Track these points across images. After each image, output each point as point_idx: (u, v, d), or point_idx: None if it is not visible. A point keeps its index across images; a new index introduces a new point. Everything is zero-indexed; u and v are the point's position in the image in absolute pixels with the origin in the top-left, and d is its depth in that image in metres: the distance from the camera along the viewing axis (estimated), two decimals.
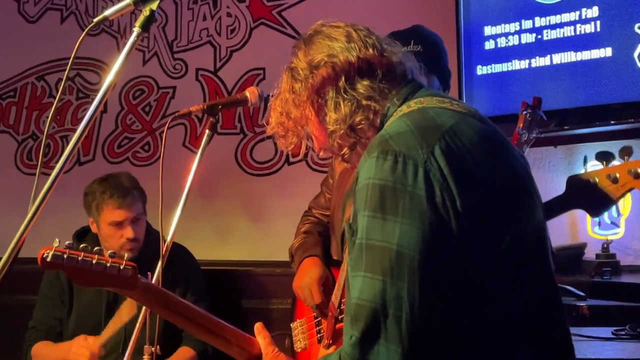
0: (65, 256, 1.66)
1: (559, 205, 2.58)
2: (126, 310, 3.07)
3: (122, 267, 1.72)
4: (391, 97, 1.76)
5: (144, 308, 2.37)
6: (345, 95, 1.76)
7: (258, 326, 1.96)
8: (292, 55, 1.87)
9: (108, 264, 1.71)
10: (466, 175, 1.56)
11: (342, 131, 1.77)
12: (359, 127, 1.76)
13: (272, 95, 1.94)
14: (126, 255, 1.77)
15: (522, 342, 1.60)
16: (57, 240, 1.67)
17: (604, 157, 2.55)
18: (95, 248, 1.73)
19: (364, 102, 1.75)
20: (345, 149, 1.81)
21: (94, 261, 1.69)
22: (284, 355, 1.90)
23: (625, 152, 2.54)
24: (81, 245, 1.69)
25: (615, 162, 2.51)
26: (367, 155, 1.62)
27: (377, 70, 1.77)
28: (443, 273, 1.52)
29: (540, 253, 1.68)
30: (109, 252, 1.73)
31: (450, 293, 1.53)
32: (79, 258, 1.68)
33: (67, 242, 1.66)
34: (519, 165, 1.70)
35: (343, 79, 1.76)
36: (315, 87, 1.78)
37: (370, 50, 1.79)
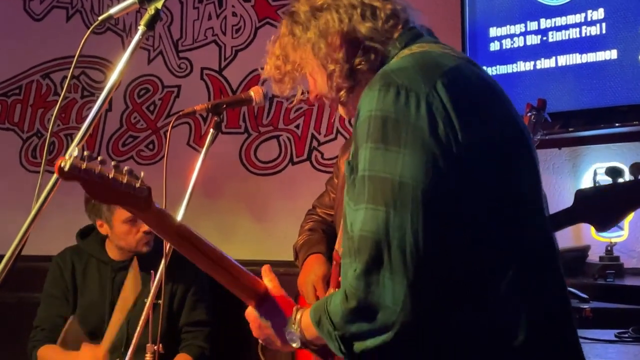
0: (82, 167, 1.60)
1: (566, 219, 2.59)
2: (118, 313, 3.09)
3: (137, 185, 1.68)
4: (393, 40, 1.77)
5: (145, 307, 2.37)
6: (346, 38, 1.77)
7: (265, 268, 1.94)
8: (294, 0, 1.89)
9: (124, 181, 1.66)
10: (467, 110, 1.57)
11: (342, 72, 1.77)
12: (359, 67, 1.77)
13: (269, 40, 1.95)
14: (142, 174, 1.72)
15: (518, 281, 1.58)
16: (76, 149, 1.61)
17: (614, 172, 2.54)
18: (112, 163, 1.68)
19: (366, 43, 1.76)
20: (343, 91, 1.80)
21: (110, 176, 1.64)
22: (291, 299, 1.89)
23: (636, 168, 2.54)
24: (99, 158, 1.65)
25: (626, 178, 2.51)
26: (368, 89, 1.62)
27: (380, 13, 1.78)
28: (446, 204, 1.52)
29: (536, 203, 1.68)
30: (126, 168, 1.68)
31: (453, 224, 1.52)
32: (96, 171, 1.63)
33: (85, 152, 1.61)
34: (517, 116, 1.72)
35: (346, 22, 1.76)
36: (317, 28, 1.79)
37: None
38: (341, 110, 1.89)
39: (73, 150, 1.60)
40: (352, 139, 1.66)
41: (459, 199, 1.53)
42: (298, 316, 1.76)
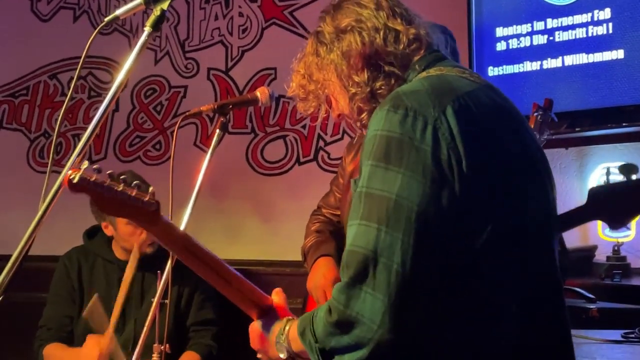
0: (92, 180, 1.62)
1: (579, 216, 2.58)
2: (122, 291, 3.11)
3: (145, 199, 1.69)
4: (413, 64, 1.78)
5: (152, 307, 2.38)
6: (369, 62, 1.78)
7: (278, 290, 1.98)
8: (320, 21, 1.90)
9: (133, 194, 1.68)
10: (475, 138, 1.57)
11: (363, 95, 1.79)
12: (379, 92, 1.78)
13: (295, 59, 1.96)
14: (150, 189, 1.74)
15: (510, 314, 1.58)
16: (86, 162, 1.63)
17: (628, 169, 2.54)
18: (122, 176, 1.70)
19: (387, 68, 1.77)
20: (364, 114, 1.82)
21: (119, 189, 1.66)
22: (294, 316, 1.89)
23: None
24: (108, 172, 1.67)
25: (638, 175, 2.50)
26: (378, 108, 1.64)
27: (403, 37, 1.79)
28: (439, 231, 1.52)
29: (543, 231, 1.68)
30: (135, 182, 1.70)
31: (443, 253, 1.52)
32: (105, 184, 1.64)
33: (94, 166, 1.63)
34: (532, 144, 1.72)
35: (368, 45, 1.78)
36: (340, 50, 1.80)
37: (398, 19, 1.81)
38: (363, 131, 1.89)
39: (83, 163, 1.62)
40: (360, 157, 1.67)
41: (457, 226, 1.53)
42: (287, 327, 1.78)
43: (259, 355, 1.92)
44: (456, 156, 1.53)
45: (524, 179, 1.65)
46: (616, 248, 3.71)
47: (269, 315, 1.89)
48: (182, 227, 2.35)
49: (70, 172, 1.60)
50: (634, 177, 2.61)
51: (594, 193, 2.47)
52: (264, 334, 1.86)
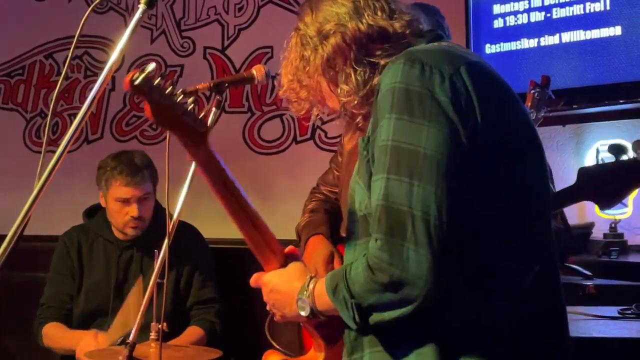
0: (153, 83, 1.56)
1: (569, 197, 2.59)
2: (132, 311, 3.09)
3: (199, 117, 1.65)
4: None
5: (149, 286, 2.38)
6: (356, 66, 1.73)
7: (291, 247, 1.93)
8: (299, 19, 1.85)
9: (188, 109, 1.63)
10: (487, 100, 1.57)
11: (354, 102, 1.75)
12: (370, 100, 1.72)
13: (282, 57, 1.90)
14: (205, 108, 1.69)
15: (519, 279, 1.60)
16: (152, 64, 1.58)
17: (617, 149, 2.53)
18: (182, 90, 1.63)
19: (382, 62, 1.72)
20: (359, 117, 1.78)
21: (178, 100, 1.60)
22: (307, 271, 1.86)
23: (639, 145, 2.53)
24: (169, 80, 1.60)
25: (629, 155, 2.50)
26: (391, 63, 1.61)
27: (390, 32, 1.74)
28: (467, 179, 1.52)
29: (543, 202, 1.69)
30: (193, 98, 1.65)
31: (471, 205, 1.52)
32: (166, 91, 1.58)
33: (160, 72, 1.56)
34: (531, 121, 1.73)
35: (354, 48, 1.73)
36: (325, 57, 1.76)
37: (379, 13, 1.75)
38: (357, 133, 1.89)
39: (148, 66, 1.56)
40: (372, 114, 1.65)
41: (478, 177, 1.54)
42: (311, 285, 1.72)
43: (269, 308, 1.89)
44: (472, 111, 1.54)
45: (529, 149, 1.66)
46: (613, 225, 3.72)
47: (287, 270, 1.84)
48: (178, 206, 2.36)
49: (133, 72, 1.54)
50: (623, 157, 2.61)
51: (583, 173, 2.47)
52: (281, 289, 1.81)
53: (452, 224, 1.48)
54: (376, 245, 1.52)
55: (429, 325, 1.56)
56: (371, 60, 1.73)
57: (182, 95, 1.61)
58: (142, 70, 1.54)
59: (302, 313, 1.73)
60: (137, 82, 1.54)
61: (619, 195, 2.46)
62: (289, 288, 1.79)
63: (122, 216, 3.52)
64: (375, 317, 1.58)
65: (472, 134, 1.52)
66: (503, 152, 1.58)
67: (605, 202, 2.53)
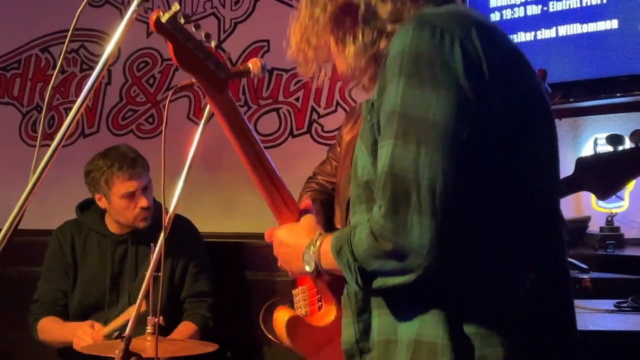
0: (179, 23, 1.54)
1: (567, 187, 2.59)
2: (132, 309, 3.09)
3: (221, 62, 1.63)
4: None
5: (145, 280, 2.38)
6: (364, 26, 1.69)
7: (307, 201, 1.96)
8: None
9: (212, 52, 1.61)
10: (496, 65, 1.54)
11: (364, 59, 1.71)
12: (383, 51, 1.67)
13: (291, 19, 1.88)
14: (226, 53, 1.66)
15: (528, 249, 1.59)
16: (177, 4, 1.56)
17: (615, 140, 2.53)
18: (206, 33, 1.59)
19: (389, 27, 1.68)
20: (365, 77, 1.74)
21: (202, 43, 1.58)
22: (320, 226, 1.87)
23: (637, 136, 2.53)
24: (194, 23, 1.58)
25: (627, 146, 2.49)
26: (401, 28, 1.58)
27: None
28: (476, 147, 1.49)
29: (553, 172, 1.70)
30: (214, 43, 1.62)
31: (480, 168, 1.50)
32: (190, 34, 1.56)
33: (183, 12, 1.55)
34: (540, 85, 1.69)
35: (363, 7, 1.68)
36: (333, 15, 1.72)
37: None
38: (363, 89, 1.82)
39: (174, 5, 1.54)
40: (379, 78, 1.62)
41: (486, 145, 1.51)
42: (318, 242, 1.72)
43: (279, 263, 1.91)
44: (483, 77, 1.51)
45: (538, 116, 1.64)
46: (609, 219, 3.72)
47: (298, 225, 1.86)
48: (174, 199, 2.35)
49: (157, 11, 1.53)
50: (621, 147, 2.61)
51: (581, 163, 2.47)
52: (290, 242, 1.83)
53: (458, 194, 1.46)
54: (380, 212, 1.50)
55: (434, 294, 1.55)
56: (379, 21, 1.69)
57: (205, 39, 1.59)
58: (169, 10, 1.53)
59: (307, 268, 1.74)
60: (163, 20, 1.53)
61: (617, 185, 2.47)
62: (297, 242, 1.81)
63: (132, 211, 3.51)
64: (378, 282, 1.57)
65: (482, 101, 1.50)
66: (511, 118, 1.56)
67: (603, 192, 2.53)
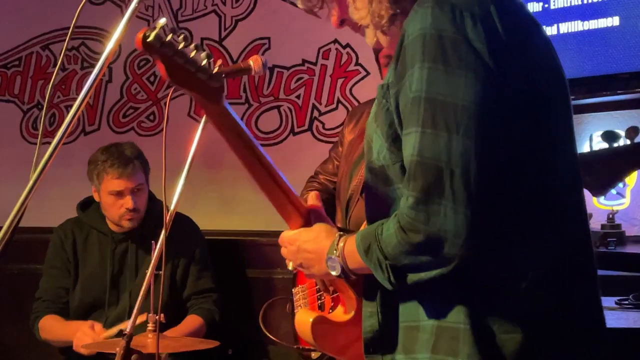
0: (166, 40, 1.48)
1: None
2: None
3: (214, 72, 1.57)
4: None
5: (146, 277, 2.38)
6: None
7: (313, 195, 1.89)
8: None
9: (202, 64, 1.55)
10: (516, 40, 1.51)
11: (383, 10, 1.62)
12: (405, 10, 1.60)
13: None
14: (219, 62, 1.61)
15: (554, 213, 1.57)
16: (162, 19, 1.50)
17: (610, 137, 2.53)
18: (195, 44, 1.54)
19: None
20: (385, 18, 1.63)
21: (191, 55, 1.52)
22: (334, 226, 1.81)
23: (632, 132, 2.53)
24: (181, 35, 1.52)
25: (621, 142, 2.49)
26: (418, 6, 1.52)
27: None
28: (510, 130, 1.46)
29: (570, 145, 1.64)
30: (206, 51, 1.57)
31: (511, 158, 1.47)
32: (178, 47, 1.50)
33: (171, 26, 1.52)
34: (557, 57, 1.67)
35: None
36: None
37: None
38: (371, 38, 1.71)
39: (159, 21, 1.49)
40: (396, 61, 1.55)
41: (513, 126, 1.48)
42: (341, 244, 1.67)
43: (290, 267, 1.86)
44: (506, 54, 1.47)
45: (555, 91, 1.61)
46: (610, 216, 3.71)
47: (314, 228, 1.78)
48: (175, 197, 2.35)
49: (143, 30, 1.48)
50: (616, 144, 2.60)
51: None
52: (310, 248, 1.76)
53: (491, 181, 1.43)
54: (409, 203, 1.45)
55: (457, 281, 1.52)
56: None
57: (194, 51, 1.54)
58: (154, 27, 1.48)
59: (333, 273, 1.69)
60: (149, 39, 1.48)
61: (613, 181, 2.46)
62: (317, 246, 1.74)
63: (117, 209, 3.52)
64: (412, 277, 1.53)
65: (506, 79, 1.46)
66: (530, 94, 1.52)
67: (600, 188, 2.53)
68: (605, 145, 2.57)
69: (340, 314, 1.91)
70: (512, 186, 1.48)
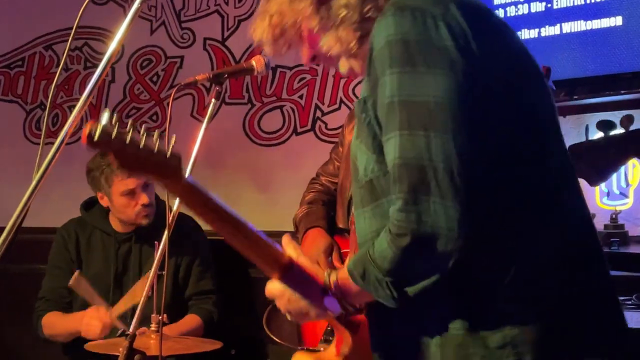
0: (112, 136, 1.45)
1: None
2: (140, 288, 3.08)
3: (168, 154, 1.54)
4: None
5: (149, 278, 2.38)
6: None
7: (286, 238, 1.82)
8: None
9: (155, 150, 1.51)
10: (481, 32, 1.53)
11: (353, 18, 1.66)
12: (368, 15, 1.66)
13: (256, 14, 1.84)
14: (174, 138, 1.60)
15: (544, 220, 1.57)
16: (105, 114, 1.47)
17: (606, 126, 2.53)
18: (144, 130, 1.51)
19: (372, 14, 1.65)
20: (353, 42, 1.68)
21: (141, 145, 1.49)
22: (318, 266, 1.77)
23: (627, 121, 2.52)
24: (129, 122, 1.50)
25: (617, 131, 2.49)
26: (380, 17, 1.56)
27: None
28: (482, 118, 1.48)
29: (554, 124, 1.66)
30: (157, 134, 1.53)
31: (490, 140, 1.48)
32: (128, 139, 1.47)
33: (114, 117, 1.47)
34: (527, 50, 1.68)
35: None
36: None
37: None
38: (344, 67, 1.76)
39: (102, 117, 1.46)
40: (368, 74, 1.58)
41: (489, 114, 1.50)
42: (333, 278, 1.66)
43: (291, 317, 1.80)
44: (471, 47, 1.49)
45: (531, 75, 1.63)
46: (614, 216, 3.70)
47: (294, 273, 1.73)
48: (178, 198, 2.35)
49: (89, 126, 1.45)
50: (612, 133, 2.60)
51: (573, 149, 2.47)
52: (301, 290, 1.72)
53: (475, 170, 1.44)
54: (398, 206, 1.46)
55: (458, 284, 1.52)
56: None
57: (144, 136, 1.51)
58: (98, 123, 1.45)
59: (334, 311, 1.68)
60: (96, 138, 1.45)
61: (609, 170, 2.46)
62: (306, 291, 1.71)
63: (132, 208, 3.51)
64: (414, 288, 1.52)
65: (476, 72, 1.49)
66: (507, 82, 1.55)
67: (596, 177, 2.52)
68: (601, 134, 2.57)
69: (332, 356, 1.92)
70: (500, 174, 1.50)
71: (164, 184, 1.61)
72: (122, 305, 3.22)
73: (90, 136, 1.45)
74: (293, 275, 1.73)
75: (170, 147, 1.56)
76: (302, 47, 1.79)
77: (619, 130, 2.63)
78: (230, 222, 1.73)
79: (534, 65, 1.67)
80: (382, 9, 1.61)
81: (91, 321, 3.29)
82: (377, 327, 1.72)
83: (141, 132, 1.51)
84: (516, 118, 1.55)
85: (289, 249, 1.78)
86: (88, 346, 3.16)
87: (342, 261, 2.67)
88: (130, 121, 1.50)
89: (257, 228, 4.27)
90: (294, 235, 2.92)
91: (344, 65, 1.75)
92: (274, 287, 1.76)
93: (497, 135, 1.51)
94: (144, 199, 3.48)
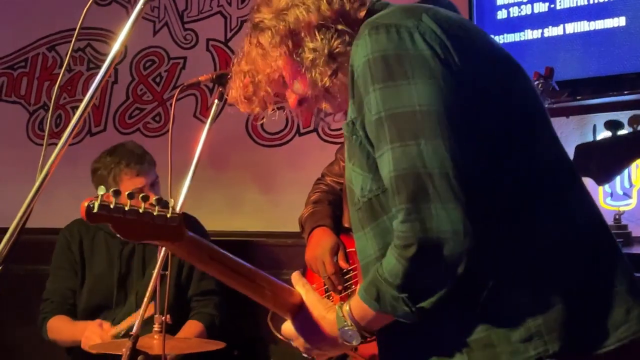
0: (112, 206, 1.49)
1: None
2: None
3: (168, 215, 1.56)
4: (362, 18, 1.72)
5: (152, 278, 2.38)
6: (319, 28, 1.72)
7: (295, 275, 1.83)
8: (254, 13, 1.82)
9: (155, 213, 1.54)
10: (457, 36, 1.56)
11: (322, 57, 1.71)
12: (337, 50, 1.71)
13: (232, 65, 1.88)
14: (171, 201, 1.61)
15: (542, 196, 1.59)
16: (102, 187, 1.51)
17: (613, 125, 2.53)
18: (141, 195, 1.54)
19: (339, 26, 1.71)
20: (326, 78, 1.73)
21: (141, 210, 1.52)
22: (328, 301, 1.78)
23: (635, 121, 2.53)
24: (126, 192, 1.53)
25: (624, 131, 2.49)
26: (357, 40, 1.60)
27: (347, 10, 1.73)
28: (468, 120, 1.50)
29: (544, 117, 1.68)
30: (155, 197, 1.56)
31: (480, 139, 1.51)
32: (126, 208, 1.50)
33: (111, 190, 1.51)
34: (500, 46, 1.72)
35: (314, 10, 1.71)
36: (286, 29, 1.73)
37: None
38: (327, 105, 1.81)
39: (99, 189, 1.49)
40: (352, 96, 1.62)
41: (476, 115, 1.52)
42: (346, 309, 1.64)
43: (312, 355, 1.81)
44: (449, 53, 1.53)
45: (511, 70, 1.67)
46: (617, 217, 3.70)
47: (305, 312, 1.74)
48: (181, 198, 2.35)
49: (87, 201, 1.49)
50: (619, 133, 2.60)
51: (581, 149, 2.47)
52: (314, 331, 1.72)
53: (470, 171, 1.46)
54: (401, 217, 1.47)
55: (471, 289, 1.53)
56: (331, 25, 1.72)
57: (143, 202, 1.53)
58: (96, 197, 1.49)
59: (354, 342, 1.66)
60: (95, 211, 1.48)
61: (616, 169, 2.46)
62: (322, 329, 1.71)
63: None
64: (430, 300, 1.52)
65: (457, 76, 1.51)
66: (490, 78, 1.58)
67: (604, 176, 2.52)
68: (608, 134, 2.57)
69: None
70: (497, 173, 1.52)
71: (167, 245, 1.63)
72: (125, 324, 3.22)
73: (89, 208, 1.49)
74: (305, 315, 1.74)
75: (171, 208, 1.57)
76: (287, 94, 1.85)
77: (626, 130, 2.63)
78: (237, 271, 1.74)
79: (515, 64, 1.70)
80: (350, 41, 1.66)
81: (91, 336, 3.30)
82: (386, 349, 1.73)
83: (140, 200, 1.53)
84: (509, 116, 1.58)
85: (298, 286, 1.79)
86: (91, 347, 3.17)
87: (348, 260, 2.67)
88: (127, 192, 1.53)
89: (261, 229, 4.26)
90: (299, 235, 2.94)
91: (327, 105, 1.81)
92: (289, 329, 1.78)
93: (492, 134, 1.53)
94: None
